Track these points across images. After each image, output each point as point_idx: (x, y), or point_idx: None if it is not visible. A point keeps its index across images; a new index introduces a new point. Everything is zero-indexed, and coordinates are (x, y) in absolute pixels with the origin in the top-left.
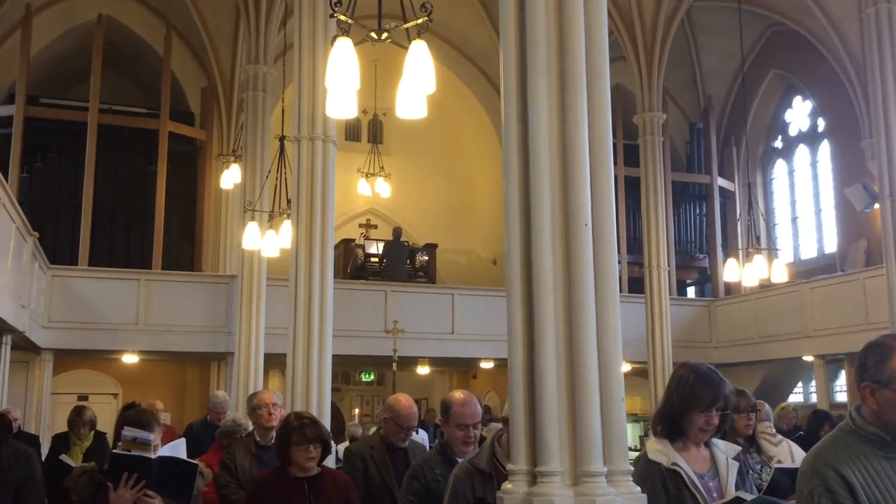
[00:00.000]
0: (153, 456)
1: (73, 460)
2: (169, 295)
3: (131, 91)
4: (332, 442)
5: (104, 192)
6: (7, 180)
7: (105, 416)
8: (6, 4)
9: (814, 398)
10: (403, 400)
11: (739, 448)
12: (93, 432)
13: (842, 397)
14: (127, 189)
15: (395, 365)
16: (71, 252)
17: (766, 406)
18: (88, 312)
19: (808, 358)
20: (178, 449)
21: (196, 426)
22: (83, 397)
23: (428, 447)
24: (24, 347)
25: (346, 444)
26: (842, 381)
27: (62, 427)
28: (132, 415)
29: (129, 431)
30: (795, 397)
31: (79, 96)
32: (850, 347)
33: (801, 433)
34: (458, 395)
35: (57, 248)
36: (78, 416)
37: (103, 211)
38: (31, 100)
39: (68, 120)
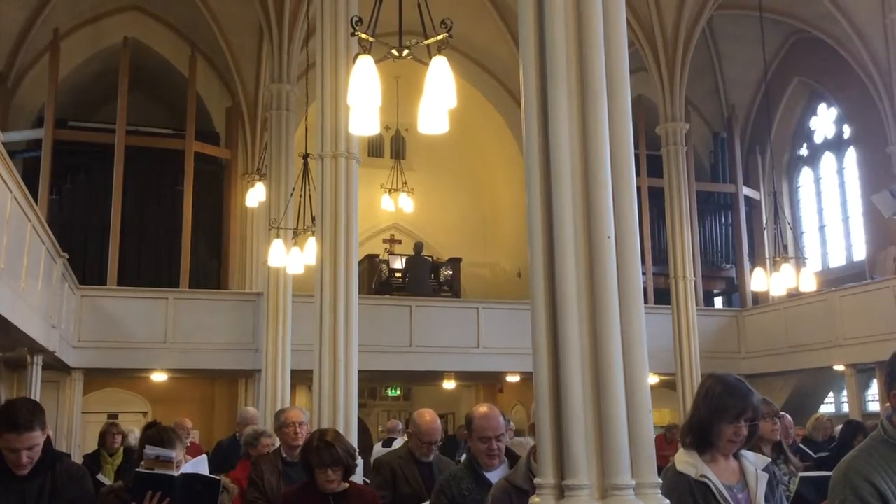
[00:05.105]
0: (176, 473)
1: (106, 479)
2: (196, 313)
3: (157, 112)
4: (358, 458)
5: (132, 212)
6: (37, 202)
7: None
8: (34, 29)
9: (845, 408)
10: (427, 415)
11: (769, 460)
12: (122, 449)
13: (874, 407)
14: (154, 209)
15: None
16: (100, 272)
17: (788, 417)
18: (117, 332)
19: (839, 367)
20: (199, 465)
21: (225, 443)
22: (113, 416)
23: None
24: (55, 367)
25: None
26: (873, 390)
27: (92, 446)
28: (153, 433)
29: (151, 450)
30: (826, 407)
31: (106, 118)
32: (881, 356)
33: (835, 444)
34: (481, 409)
35: (86, 268)
36: (112, 426)
37: (131, 231)
38: (60, 123)
39: (96, 142)
